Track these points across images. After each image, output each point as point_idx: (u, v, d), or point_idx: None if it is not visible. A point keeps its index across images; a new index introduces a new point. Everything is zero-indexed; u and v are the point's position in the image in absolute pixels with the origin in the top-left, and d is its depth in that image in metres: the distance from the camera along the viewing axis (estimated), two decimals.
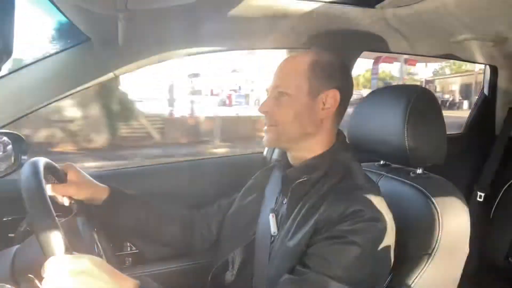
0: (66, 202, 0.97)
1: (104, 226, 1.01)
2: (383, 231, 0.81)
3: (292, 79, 0.91)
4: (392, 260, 0.86)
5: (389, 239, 0.83)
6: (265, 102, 0.94)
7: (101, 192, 1.00)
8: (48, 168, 0.87)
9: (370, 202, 0.82)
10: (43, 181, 0.73)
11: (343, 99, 0.92)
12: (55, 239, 0.64)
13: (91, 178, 1.01)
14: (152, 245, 1.26)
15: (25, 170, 0.76)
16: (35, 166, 0.77)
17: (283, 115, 0.91)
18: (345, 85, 0.94)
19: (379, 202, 0.84)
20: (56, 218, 0.67)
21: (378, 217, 0.81)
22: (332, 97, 0.91)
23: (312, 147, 0.93)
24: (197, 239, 1.10)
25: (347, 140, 1.00)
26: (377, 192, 0.87)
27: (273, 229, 0.93)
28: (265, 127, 0.94)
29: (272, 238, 0.92)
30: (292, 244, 0.84)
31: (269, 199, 1.01)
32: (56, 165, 0.94)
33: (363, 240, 0.78)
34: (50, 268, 0.62)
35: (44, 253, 0.64)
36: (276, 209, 0.96)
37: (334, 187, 0.87)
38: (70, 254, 0.65)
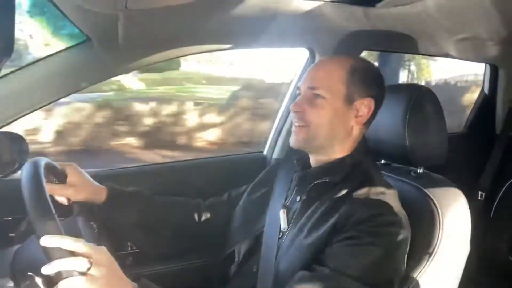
0: (65, 201, 0.97)
1: (105, 226, 1.01)
2: (402, 236, 0.82)
3: (330, 83, 0.90)
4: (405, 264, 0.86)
5: (406, 244, 0.84)
6: (299, 101, 0.92)
7: (99, 193, 1.00)
8: (49, 168, 0.87)
9: (391, 207, 0.83)
10: (44, 181, 0.73)
11: (376, 108, 0.93)
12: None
13: (90, 179, 1.01)
14: (157, 237, 1.24)
15: (26, 170, 0.75)
16: (35, 166, 0.77)
17: (316, 117, 0.89)
18: (380, 94, 0.94)
19: (398, 208, 0.84)
20: (57, 218, 0.67)
21: (398, 222, 0.82)
22: (367, 105, 0.91)
23: (336, 151, 0.93)
24: (203, 224, 1.10)
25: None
26: (396, 197, 0.87)
27: (283, 224, 0.93)
28: (294, 127, 0.93)
29: (281, 233, 0.93)
30: (308, 242, 0.84)
31: (278, 195, 1.01)
32: (57, 165, 0.94)
33: (383, 243, 0.79)
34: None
35: (44, 254, 0.64)
36: (288, 205, 0.96)
37: (354, 191, 0.86)
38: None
